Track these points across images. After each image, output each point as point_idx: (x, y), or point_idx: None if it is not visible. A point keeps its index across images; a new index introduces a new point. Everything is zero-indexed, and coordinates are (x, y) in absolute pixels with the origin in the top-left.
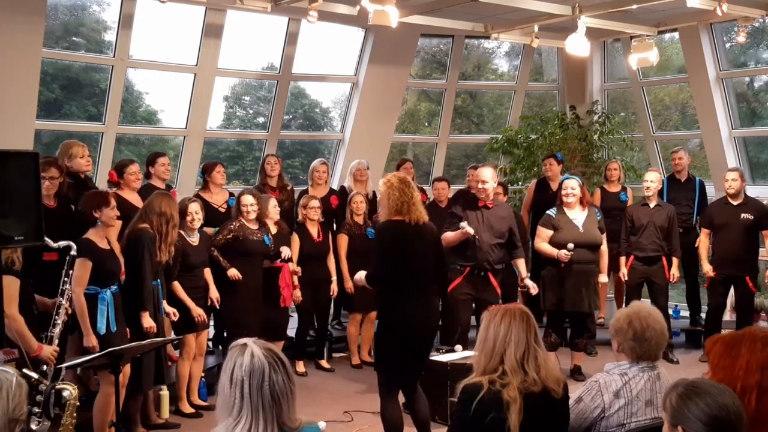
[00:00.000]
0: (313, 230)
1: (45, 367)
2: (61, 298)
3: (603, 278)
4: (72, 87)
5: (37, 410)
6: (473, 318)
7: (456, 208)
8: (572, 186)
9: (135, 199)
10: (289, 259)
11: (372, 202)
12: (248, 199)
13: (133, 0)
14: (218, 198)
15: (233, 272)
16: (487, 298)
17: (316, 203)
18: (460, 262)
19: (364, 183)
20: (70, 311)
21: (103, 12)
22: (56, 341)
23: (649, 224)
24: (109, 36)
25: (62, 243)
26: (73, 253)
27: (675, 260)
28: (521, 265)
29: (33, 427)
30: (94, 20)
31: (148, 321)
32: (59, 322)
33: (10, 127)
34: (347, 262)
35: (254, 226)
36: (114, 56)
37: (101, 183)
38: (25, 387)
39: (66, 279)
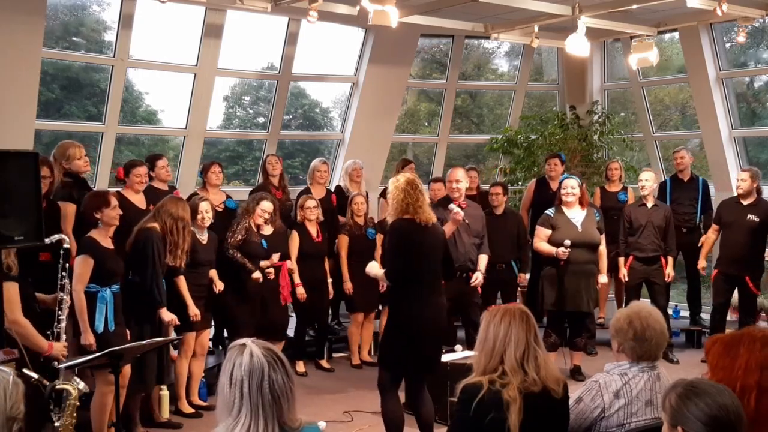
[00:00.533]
0: (312, 230)
1: (57, 363)
2: (61, 293)
3: (602, 279)
4: (72, 87)
5: (54, 407)
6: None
7: (436, 210)
8: (572, 185)
9: (138, 200)
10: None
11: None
12: (267, 206)
13: (133, 0)
14: (214, 199)
15: (258, 275)
16: (469, 298)
17: (313, 203)
18: None
19: (359, 183)
20: (70, 303)
21: (103, 12)
22: (64, 336)
23: (647, 224)
24: (109, 36)
25: (54, 237)
26: (66, 246)
27: (671, 260)
28: (483, 260)
29: (57, 424)
30: (94, 20)
31: (167, 315)
32: (63, 317)
33: (10, 127)
34: (348, 263)
35: (256, 229)
36: (114, 56)
37: (102, 183)
38: (21, 386)
39: (64, 273)
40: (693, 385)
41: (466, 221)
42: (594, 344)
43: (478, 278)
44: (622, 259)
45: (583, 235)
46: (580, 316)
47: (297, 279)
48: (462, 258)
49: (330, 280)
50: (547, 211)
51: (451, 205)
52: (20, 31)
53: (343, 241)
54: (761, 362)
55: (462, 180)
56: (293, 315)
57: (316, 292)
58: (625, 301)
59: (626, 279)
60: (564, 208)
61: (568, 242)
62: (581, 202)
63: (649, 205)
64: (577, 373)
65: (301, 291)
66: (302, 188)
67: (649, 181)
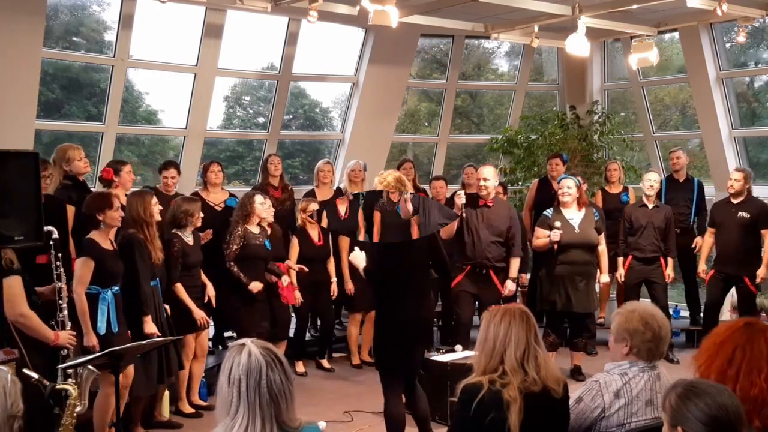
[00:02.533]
0: (314, 233)
1: (66, 351)
2: (59, 282)
3: (604, 278)
4: (72, 87)
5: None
6: (475, 317)
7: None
8: (569, 185)
9: (125, 200)
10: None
11: None
12: (260, 199)
13: (133, 0)
14: (216, 197)
15: (255, 285)
16: (488, 296)
17: (314, 206)
18: (461, 260)
19: (359, 184)
20: (68, 293)
21: (103, 12)
22: (69, 324)
23: (647, 225)
24: (109, 36)
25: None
26: (55, 236)
27: (671, 261)
28: (514, 264)
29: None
30: (94, 20)
31: (150, 327)
32: (64, 305)
33: (10, 127)
34: (349, 263)
35: (256, 230)
36: (114, 56)
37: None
38: (19, 384)
39: (58, 263)
40: (693, 385)
41: (463, 214)
42: (594, 344)
43: (508, 286)
44: (621, 259)
45: (580, 236)
46: (581, 317)
47: (294, 281)
48: (478, 254)
49: (334, 280)
50: (545, 212)
51: (459, 191)
52: (20, 31)
53: (344, 242)
54: (736, 342)
55: (490, 179)
56: (293, 315)
57: (318, 294)
58: (625, 300)
59: (623, 279)
60: (562, 209)
61: (558, 223)
62: (579, 203)
63: (650, 206)
64: (577, 373)
65: (298, 295)
66: (306, 189)
67: (656, 181)
